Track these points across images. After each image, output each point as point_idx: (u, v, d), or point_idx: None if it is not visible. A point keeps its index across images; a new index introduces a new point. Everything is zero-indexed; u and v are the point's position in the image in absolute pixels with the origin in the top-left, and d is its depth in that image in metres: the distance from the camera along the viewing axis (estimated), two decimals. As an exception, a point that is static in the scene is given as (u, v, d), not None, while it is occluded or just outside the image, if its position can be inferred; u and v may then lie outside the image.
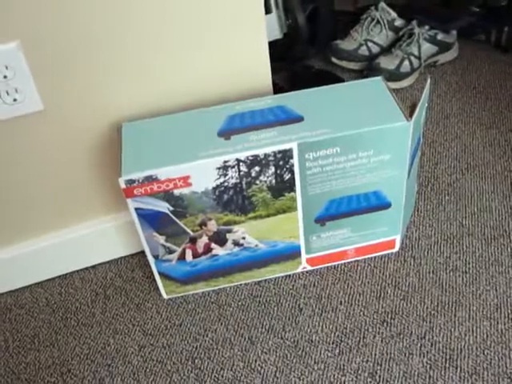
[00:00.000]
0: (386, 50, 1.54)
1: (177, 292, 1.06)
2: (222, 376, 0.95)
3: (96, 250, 1.13)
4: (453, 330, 0.97)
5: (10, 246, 1.08)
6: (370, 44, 1.55)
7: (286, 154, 0.87)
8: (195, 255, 0.99)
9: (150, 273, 1.12)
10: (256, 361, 0.97)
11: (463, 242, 1.11)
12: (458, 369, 0.92)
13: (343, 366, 0.95)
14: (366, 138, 0.88)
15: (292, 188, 0.92)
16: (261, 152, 0.86)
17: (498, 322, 0.98)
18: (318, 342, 0.98)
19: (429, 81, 0.94)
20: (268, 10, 1.52)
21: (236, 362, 0.97)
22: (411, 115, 0.90)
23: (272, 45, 1.22)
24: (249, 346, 0.99)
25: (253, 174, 0.89)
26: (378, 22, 1.55)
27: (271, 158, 0.87)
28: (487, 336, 0.96)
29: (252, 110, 0.94)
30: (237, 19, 0.92)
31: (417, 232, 1.13)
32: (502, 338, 0.95)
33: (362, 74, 1.54)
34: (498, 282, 1.03)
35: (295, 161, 0.89)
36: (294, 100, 0.95)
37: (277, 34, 1.57)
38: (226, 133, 0.90)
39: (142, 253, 1.15)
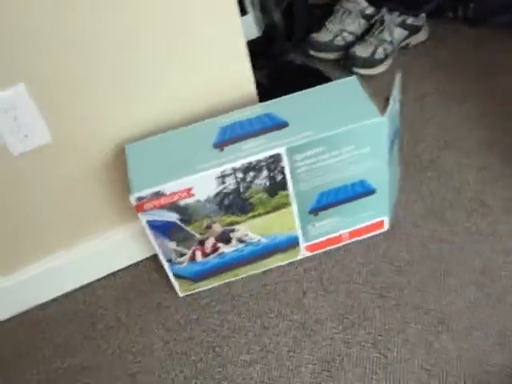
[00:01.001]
0: (360, 38, 1.63)
1: (191, 289, 1.17)
2: (241, 360, 1.06)
3: (114, 257, 1.23)
4: (444, 296, 1.08)
5: (35, 262, 1.18)
6: (344, 34, 1.64)
7: (276, 158, 0.97)
8: (204, 255, 1.10)
9: (166, 274, 1.21)
10: (270, 343, 1.08)
11: (447, 214, 1.21)
12: (451, 331, 1.03)
13: (348, 339, 1.06)
14: (346, 135, 0.98)
15: (285, 187, 1.02)
16: (253, 159, 0.96)
17: (483, 286, 1.08)
18: (324, 320, 1.09)
19: (399, 75, 1.04)
20: (244, 11, 1.61)
21: (252, 346, 1.08)
22: (385, 109, 0.99)
23: (251, 43, 1.30)
24: (262, 331, 1.10)
25: (248, 179, 0.99)
26: (350, 12, 1.64)
27: (263, 163, 0.97)
28: (475, 299, 1.07)
29: (241, 120, 1.03)
30: (218, 43, 1.02)
31: (403, 210, 1.23)
32: (488, 301, 1.06)
33: (339, 63, 1.63)
34: (480, 249, 1.14)
35: (285, 163, 0.98)
36: (278, 106, 1.04)
37: (255, 33, 1.66)
38: (220, 144, 0.99)
39: (157, 255, 1.25)
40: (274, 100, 1.06)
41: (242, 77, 1.09)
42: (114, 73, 0.99)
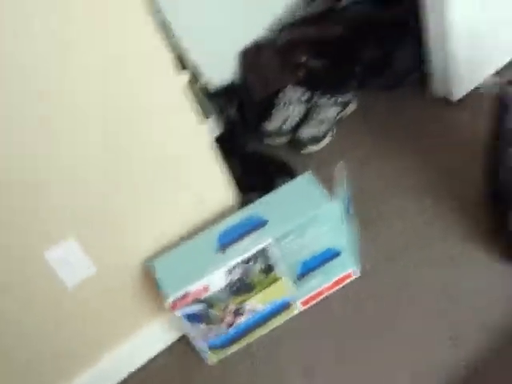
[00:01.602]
0: (303, 121, 1.99)
1: (219, 356, 1.50)
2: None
3: (155, 342, 1.56)
4: (411, 316, 1.43)
5: (88, 368, 1.50)
6: (289, 120, 2.00)
7: (266, 249, 1.33)
8: (226, 327, 1.43)
9: (195, 348, 1.53)
10: (289, 384, 1.42)
11: (401, 254, 1.56)
12: (403, 337, 1.38)
13: (348, 371, 1.39)
14: (309, 221, 1.34)
15: (275, 267, 1.37)
16: (249, 253, 1.32)
17: (441, 301, 1.43)
18: (326, 357, 1.43)
19: (341, 163, 1.39)
20: (207, 115, 1.96)
21: (276, 390, 1.42)
22: (335, 193, 1.35)
23: (216, 139, 1.62)
24: (280, 377, 1.43)
25: (248, 268, 1.34)
26: (290, 100, 2.01)
27: (257, 255, 1.32)
28: (433, 310, 1.42)
29: (232, 225, 1.38)
30: (205, 177, 1.39)
31: (367, 258, 1.58)
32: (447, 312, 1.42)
33: (290, 144, 1.99)
34: (432, 278, 1.49)
35: (271, 251, 1.34)
36: (258, 208, 1.40)
37: (218, 131, 2.01)
38: (221, 248, 1.34)
39: (184, 335, 1.57)
40: (253, 204, 1.42)
41: (225, 191, 1.46)
42: (139, 215, 1.35)
